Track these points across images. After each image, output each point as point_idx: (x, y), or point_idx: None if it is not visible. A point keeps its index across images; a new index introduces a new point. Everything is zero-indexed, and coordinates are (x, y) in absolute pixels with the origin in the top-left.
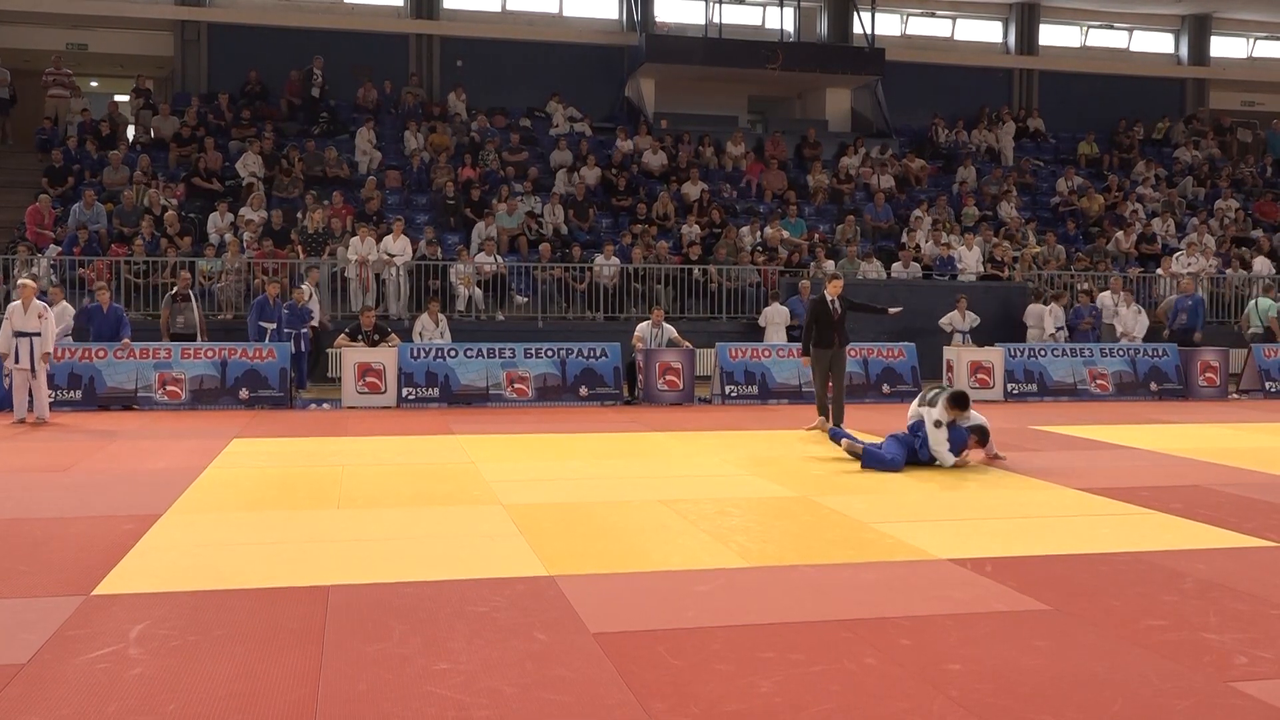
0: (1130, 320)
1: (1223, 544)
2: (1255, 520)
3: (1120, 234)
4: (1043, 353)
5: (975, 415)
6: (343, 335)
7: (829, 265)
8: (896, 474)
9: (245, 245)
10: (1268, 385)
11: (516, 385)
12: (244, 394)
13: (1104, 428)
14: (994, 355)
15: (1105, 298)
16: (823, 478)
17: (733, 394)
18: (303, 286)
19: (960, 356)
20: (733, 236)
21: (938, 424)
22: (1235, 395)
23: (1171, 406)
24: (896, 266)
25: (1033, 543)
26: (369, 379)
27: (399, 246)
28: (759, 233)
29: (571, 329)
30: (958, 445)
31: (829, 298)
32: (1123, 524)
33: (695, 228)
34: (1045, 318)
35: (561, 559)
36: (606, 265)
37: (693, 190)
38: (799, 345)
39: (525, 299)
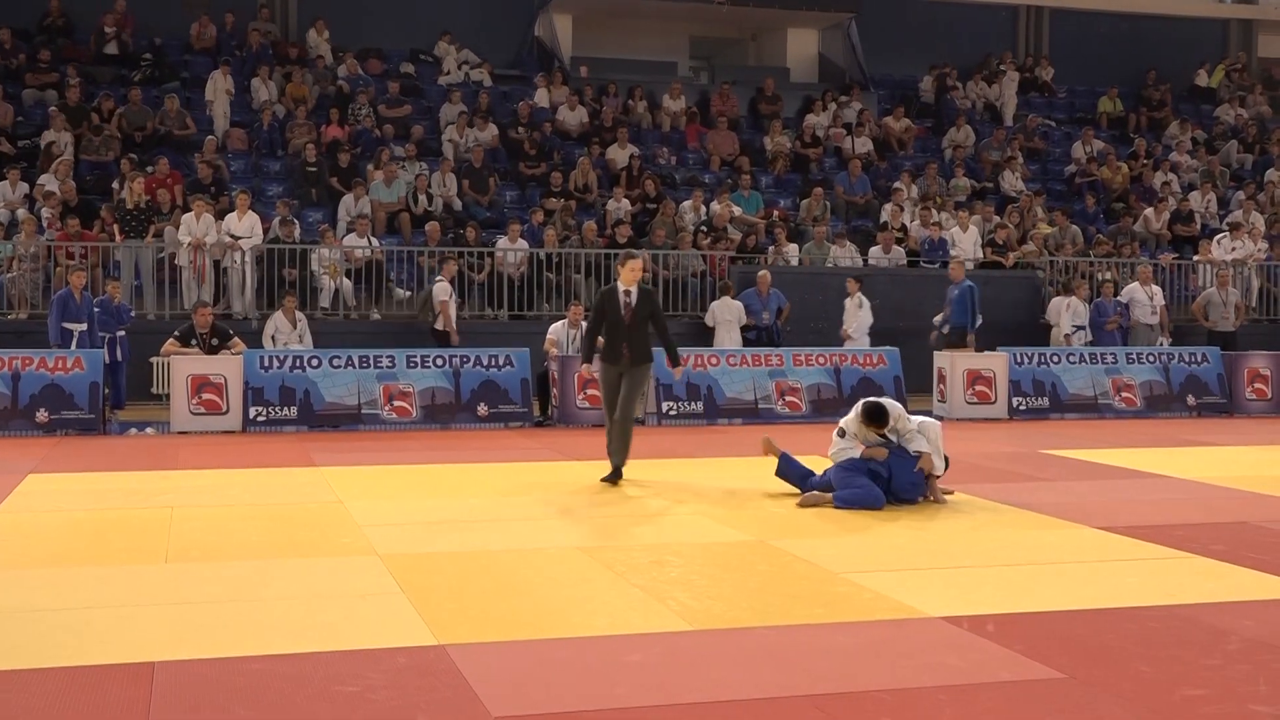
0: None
1: (1274, 595)
2: None
3: (1150, 211)
4: (1056, 359)
5: (924, 431)
6: (171, 340)
7: (791, 250)
8: (876, 511)
9: (45, 224)
10: None
11: (396, 403)
12: (42, 416)
13: (1130, 451)
14: (996, 362)
15: (1134, 290)
16: (783, 517)
17: (672, 412)
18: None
19: (954, 364)
20: (671, 214)
21: (840, 432)
22: None
23: (1213, 425)
24: (875, 251)
25: (1044, 595)
26: (206, 396)
27: (245, 226)
28: (704, 209)
29: (467, 331)
30: (907, 484)
31: (622, 288)
32: (1153, 571)
33: (624, 203)
34: (1062, 314)
35: (455, 624)
36: (512, 250)
37: (620, 156)
38: (753, 350)
39: (408, 293)
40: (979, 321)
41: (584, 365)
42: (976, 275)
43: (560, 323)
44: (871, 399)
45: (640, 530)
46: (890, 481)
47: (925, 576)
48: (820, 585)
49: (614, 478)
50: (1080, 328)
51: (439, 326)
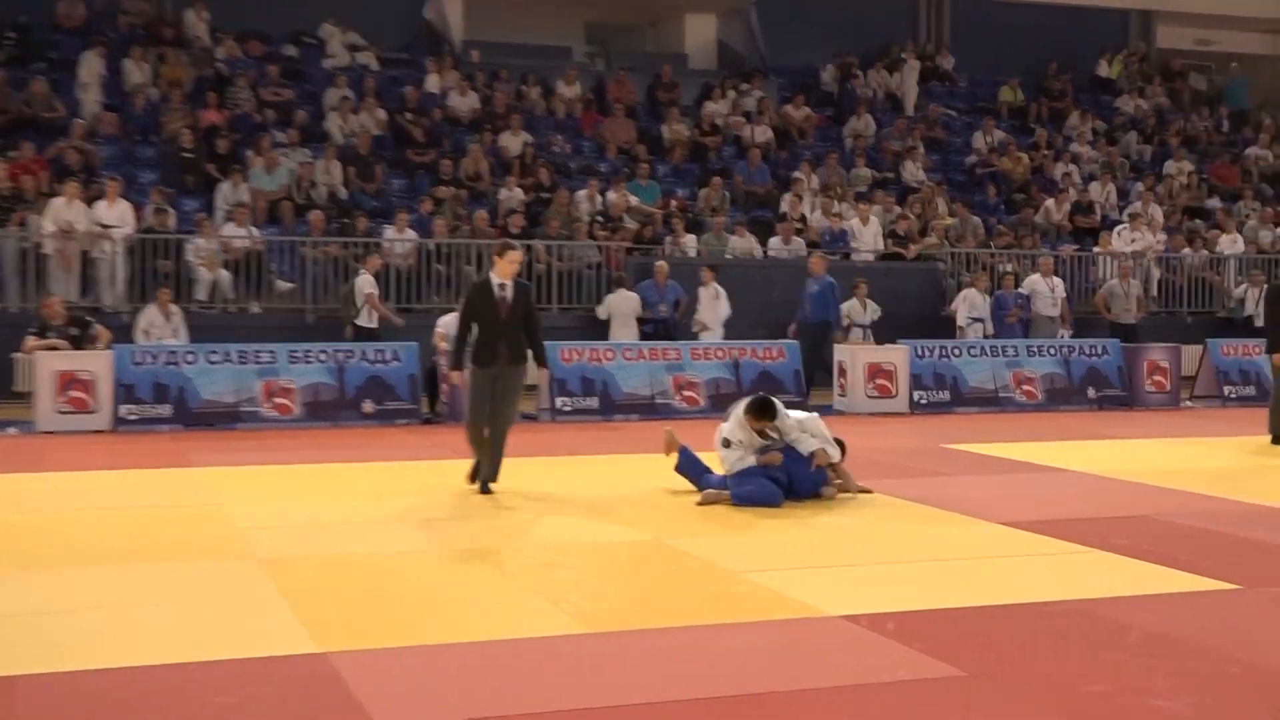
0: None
1: (1175, 588)
2: (1213, 558)
3: (1051, 202)
4: (957, 352)
5: (806, 428)
6: (28, 337)
7: (689, 240)
8: (774, 509)
9: None
10: (1227, 390)
11: (277, 400)
12: None
13: (1032, 445)
14: (897, 356)
15: (1035, 282)
16: (680, 515)
17: (566, 408)
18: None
19: (855, 357)
20: (565, 203)
21: (724, 442)
22: (1189, 403)
23: (1113, 418)
24: (775, 242)
25: (944, 592)
26: (73, 393)
27: (116, 214)
28: (600, 199)
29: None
30: (808, 484)
31: (496, 282)
32: (1055, 566)
33: (517, 192)
34: (959, 305)
35: (338, 630)
36: (400, 241)
37: (513, 143)
38: (650, 344)
39: (290, 285)
40: (833, 313)
41: (452, 372)
42: (877, 268)
43: (450, 315)
44: (760, 395)
45: (531, 530)
46: (790, 484)
47: (824, 575)
48: (718, 585)
49: (484, 491)
50: (978, 320)
51: (362, 322)
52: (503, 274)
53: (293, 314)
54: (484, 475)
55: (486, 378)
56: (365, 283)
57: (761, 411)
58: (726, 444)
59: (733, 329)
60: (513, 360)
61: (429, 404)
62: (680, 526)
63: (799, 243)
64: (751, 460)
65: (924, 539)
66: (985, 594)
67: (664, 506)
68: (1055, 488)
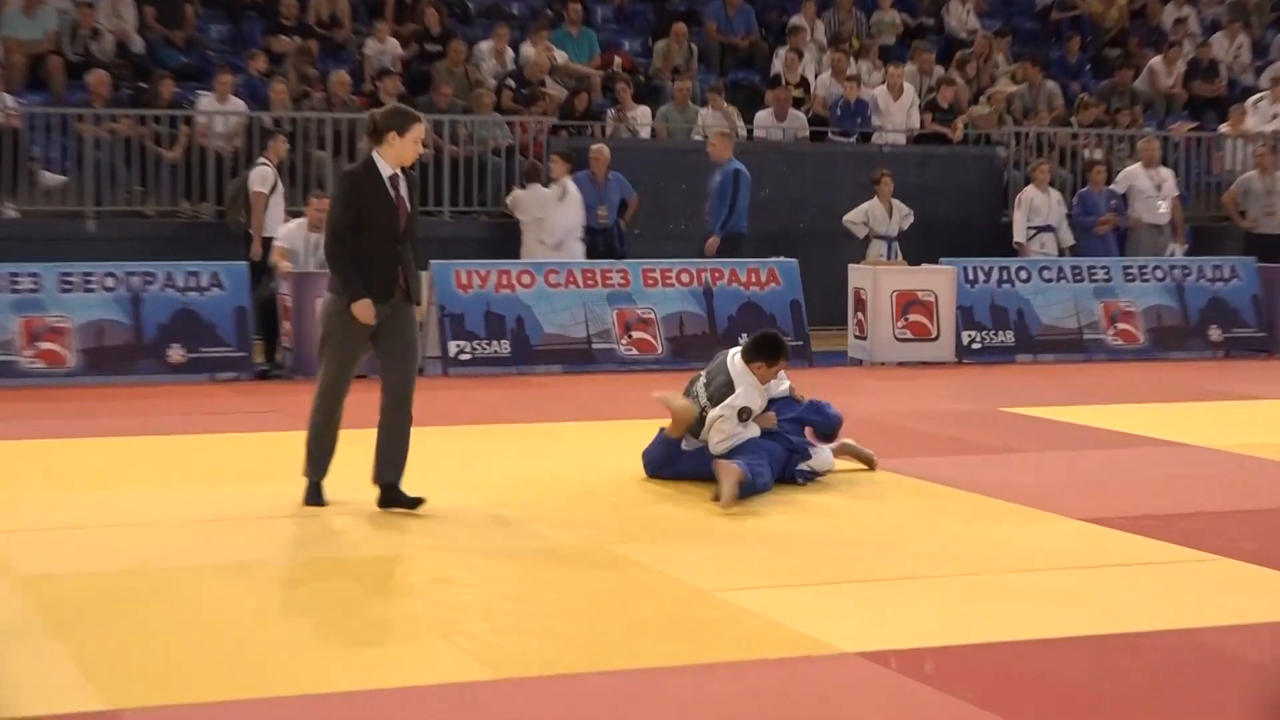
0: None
1: None
2: None
3: (1158, 62)
4: (1024, 275)
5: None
6: None
7: (640, 114)
8: (763, 496)
9: None
10: None
11: (44, 345)
12: None
13: (1129, 409)
14: (938, 281)
15: (1134, 175)
16: (630, 511)
17: (465, 356)
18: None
19: (878, 283)
20: (462, 61)
21: (742, 414)
22: None
23: (1246, 369)
24: (764, 116)
25: (1002, 619)
26: None
27: None
28: (511, 55)
29: (155, 236)
30: (817, 418)
31: (387, 172)
32: (1157, 580)
33: (391, 44)
34: (1016, 210)
35: (131, 678)
36: (221, 114)
37: None
38: (583, 265)
39: (60, 179)
40: (736, 220)
41: (355, 305)
42: (909, 154)
43: (295, 223)
44: (765, 332)
45: (415, 532)
46: (790, 438)
47: (832, 593)
48: (683, 608)
49: (390, 502)
50: (1043, 229)
51: (264, 231)
52: (395, 159)
53: (66, 220)
54: (384, 473)
55: (369, 319)
56: (259, 178)
57: (771, 353)
58: (743, 416)
59: (695, 240)
60: (409, 295)
61: (265, 351)
62: (630, 527)
63: (798, 118)
64: (755, 431)
65: (975, 542)
66: (1059, 620)
67: (607, 497)
68: (1162, 469)
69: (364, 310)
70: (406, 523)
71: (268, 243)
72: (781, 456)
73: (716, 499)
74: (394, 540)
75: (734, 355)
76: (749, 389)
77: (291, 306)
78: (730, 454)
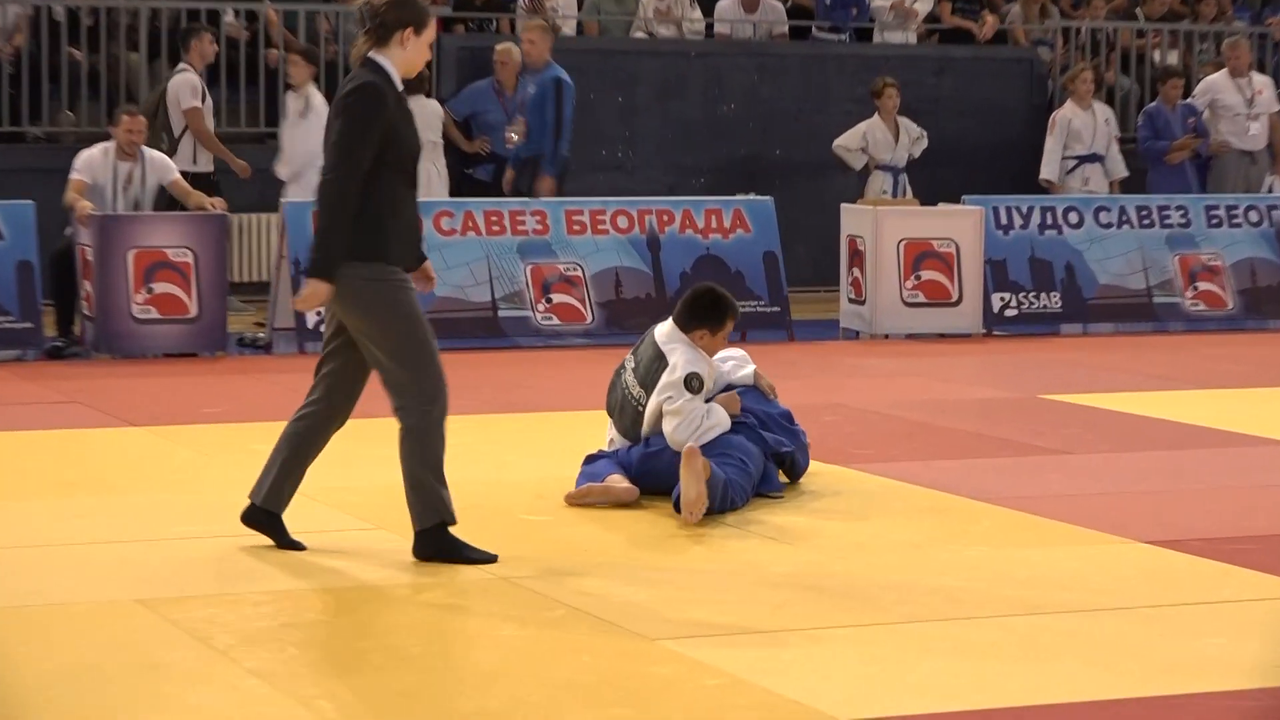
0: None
1: None
2: None
3: None
4: (1074, 219)
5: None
6: None
7: (566, 4)
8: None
9: None
10: None
11: None
12: None
13: (1213, 395)
14: (960, 226)
15: (1217, 85)
16: (550, 534)
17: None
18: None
19: (881, 227)
20: None
21: (690, 383)
22: None
23: None
24: (727, 6)
25: (1041, 676)
26: None
27: None
28: None
29: None
30: (783, 426)
31: (398, 85)
32: (1246, 622)
33: None
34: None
35: None
36: None
37: None
38: (485, 204)
39: None
40: (564, 150)
41: (311, 282)
42: (922, 57)
43: (97, 149)
44: (702, 288)
45: (265, 563)
46: (764, 432)
47: (818, 644)
48: (621, 663)
49: (438, 548)
50: (1087, 160)
51: (183, 164)
52: (406, 68)
53: None
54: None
55: (316, 304)
56: (183, 87)
57: (713, 314)
58: (692, 385)
59: (635, 172)
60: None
61: (58, 321)
62: (550, 555)
63: (774, 8)
64: (722, 416)
65: (1004, 574)
66: (1113, 677)
67: (516, 515)
68: (1252, 476)
69: (319, 291)
70: (254, 556)
71: (191, 176)
72: (761, 464)
73: (678, 507)
74: (236, 576)
75: (661, 325)
76: (687, 350)
77: (94, 261)
78: (720, 461)
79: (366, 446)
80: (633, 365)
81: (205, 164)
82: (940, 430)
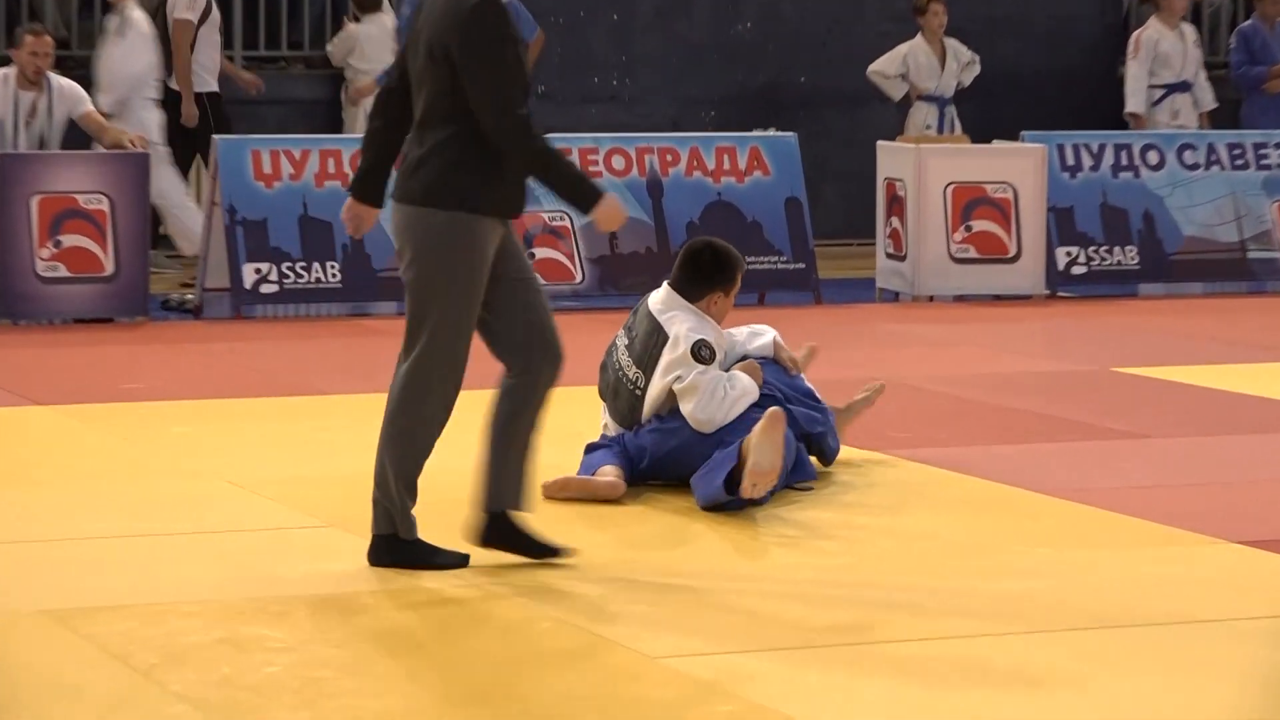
0: None
1: None
2: None
3: None
4: (1154, 159)
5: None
6: None
7: None
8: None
9: None
10: None
11: None
12: None
13: None
14: (1022, 167)
15: None
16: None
17: (269, 286)
18: None
19: (925, 169)
20: None
21: (699, 351)
22: None
23: None
24: None
25: (1124, 703)
26: None
27: None
28: None
29: None
30: (807, 400)
31: None
32: None
33: None
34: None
35: None
36: None
37: None
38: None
39: None
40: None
41: (604, 205)
42: None
43: None
44: (690, 247)
45: (195, 566)
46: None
47: (852, 662)
48: (614, 685)
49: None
50: (1176, 89)
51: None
52: None
53: None
54: (500, 497)
55: (616, 224)
56: (181, 1)
57: (721, 272)
58: (701, 354)
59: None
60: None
61: None
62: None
63: None
64: (747, 384)
65: (1069, 579)
66: (1214, 704)
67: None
68: None
69: (613, 209)
70: (181, 560)
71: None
72: (795, 449)
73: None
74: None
75: (655, 293)
76: (688, 316)
77: None
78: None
79: (315, 428)
80: (625, 342)
81: (204, 81)
82: (995, 409)
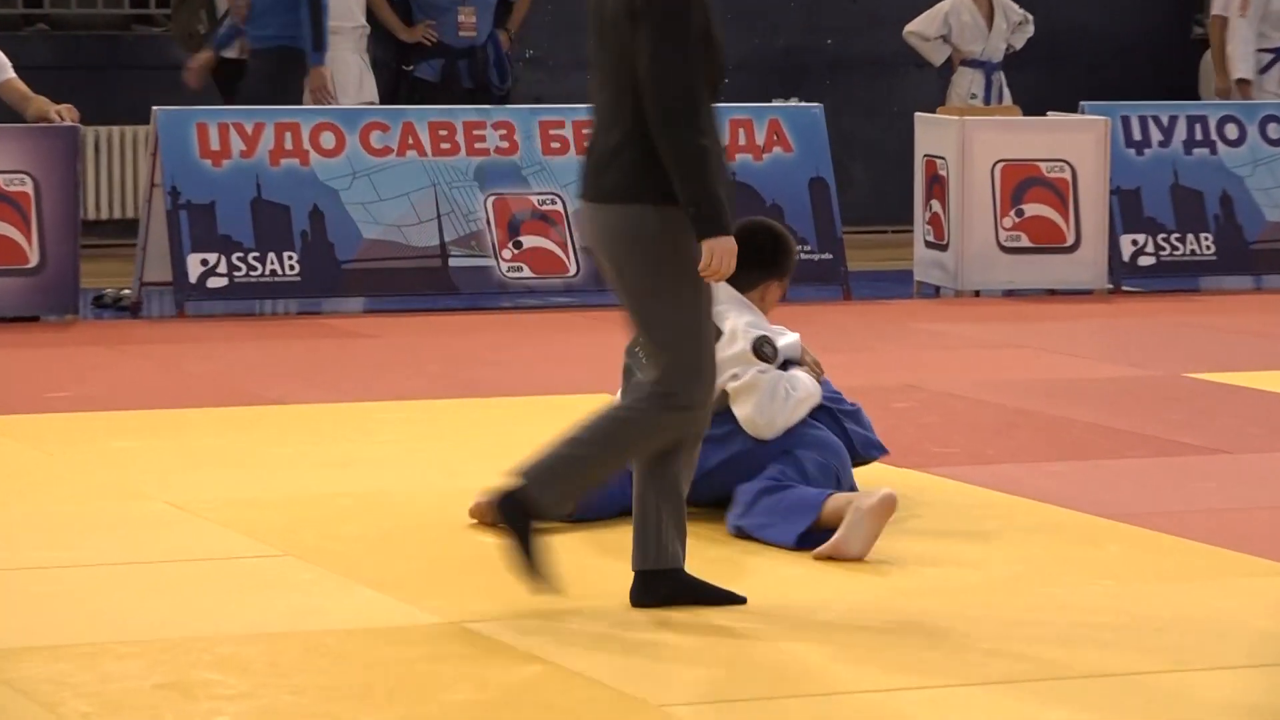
0: None
1: None
2: None
3: None
4: (1233, 135)
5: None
6: None
7: None
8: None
9: None
10: None
11: None
12: None
13: None
14: (1081, 144)
15: None
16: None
17: (219, 279)
18: None
19: (971, 144)
20: None
21: (761, 347)
22: None
23: None
24: None
25: None
26: None
27: None
28: None
29: None
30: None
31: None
32: None
33: None
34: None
35: None
36: None
37: None
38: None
39: None
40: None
41: (717, 241)
42: None
43: None
44: (750, 227)
45: (133, 601)
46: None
47: (887, 709)
48: None
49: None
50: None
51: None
52: None
53: None
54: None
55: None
56: None
57: (778, 257)
58: (764, 351)
59: None
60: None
61: None
62: (509, 581)
63: None
64: (810, 390)
65: (1143, 610)
66: None
67: (465, 531)
68: None
69: (727, 249)
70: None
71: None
72: (851, 476)
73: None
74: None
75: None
76: (742, 310)
77: None
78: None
79: (270, 443)
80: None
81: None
82: (1051, 421)
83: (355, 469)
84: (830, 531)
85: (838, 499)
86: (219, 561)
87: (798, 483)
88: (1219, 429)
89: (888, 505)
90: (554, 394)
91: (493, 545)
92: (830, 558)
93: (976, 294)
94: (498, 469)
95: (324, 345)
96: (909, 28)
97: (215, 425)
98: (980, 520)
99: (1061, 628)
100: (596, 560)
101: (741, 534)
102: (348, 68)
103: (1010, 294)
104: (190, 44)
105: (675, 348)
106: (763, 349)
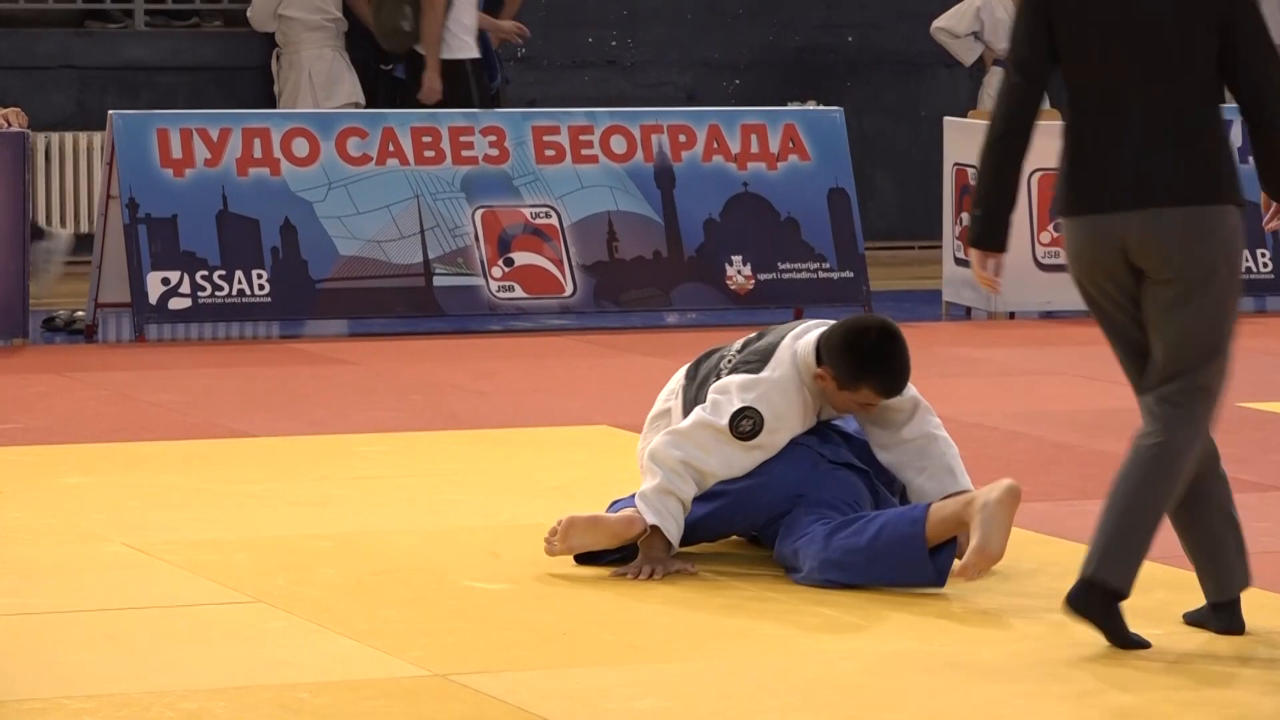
0: None
1: None
2: None
3: None
4: None
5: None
6: None
7: None
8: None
9: None
10: None
11: None
12: None
13: None
14: None
15: None
16: (510, 604)
17: (181, 301)
18: None
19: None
20: None
21: (737, 422)
22: None
23: None
24: None
25: None
26: None
27: None
28: None
29: None
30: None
31: None
32: None
33: None
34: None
35: None
36: None
37: None
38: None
39: None
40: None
41: (980, 253)
42: None
43: None
44: (866, 323)
45: (94, 651)
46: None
47: None
48: None
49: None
50: None
51: (453, 53)
52: None
53: None
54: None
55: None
56: None
57: (873, 367)
58: (742, 426)
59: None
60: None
61: None
62: (498, 630)
63: None
64: (742, 457)
65: (1195, 664)
66: None
67: (450, 575)
68: None
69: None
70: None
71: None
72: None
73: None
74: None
75: (807, 337)
76: (775, 387)
77: None
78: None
79: (236, 479)
80: (738, 346)
81: (463, 48)
82: (1092, 455)
83: (331, 508)
84: (944, 547)
85: (939, 509)
86: (182, 609)
87: (840, 513)
88: (1275, 464)
89: (1015, 495)
90: (548, 426)
91: (479, 592)
92: (979, 568)
93: (1011, 316)
94: (485, 508)
95: (297, 372)
96: (937, 23)
97: (177, 460)
98: (1016, 561)
99: (1108, 677)
100: (588, 605)
101: (830, 585)
102: (326, 65)
103: (1047, 315)
104: (395, 41)
105: (1226, 353)
106: (737, 422)
